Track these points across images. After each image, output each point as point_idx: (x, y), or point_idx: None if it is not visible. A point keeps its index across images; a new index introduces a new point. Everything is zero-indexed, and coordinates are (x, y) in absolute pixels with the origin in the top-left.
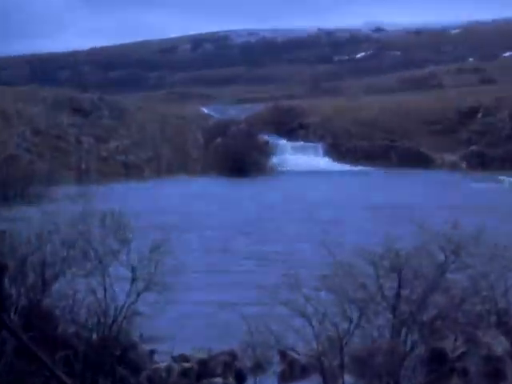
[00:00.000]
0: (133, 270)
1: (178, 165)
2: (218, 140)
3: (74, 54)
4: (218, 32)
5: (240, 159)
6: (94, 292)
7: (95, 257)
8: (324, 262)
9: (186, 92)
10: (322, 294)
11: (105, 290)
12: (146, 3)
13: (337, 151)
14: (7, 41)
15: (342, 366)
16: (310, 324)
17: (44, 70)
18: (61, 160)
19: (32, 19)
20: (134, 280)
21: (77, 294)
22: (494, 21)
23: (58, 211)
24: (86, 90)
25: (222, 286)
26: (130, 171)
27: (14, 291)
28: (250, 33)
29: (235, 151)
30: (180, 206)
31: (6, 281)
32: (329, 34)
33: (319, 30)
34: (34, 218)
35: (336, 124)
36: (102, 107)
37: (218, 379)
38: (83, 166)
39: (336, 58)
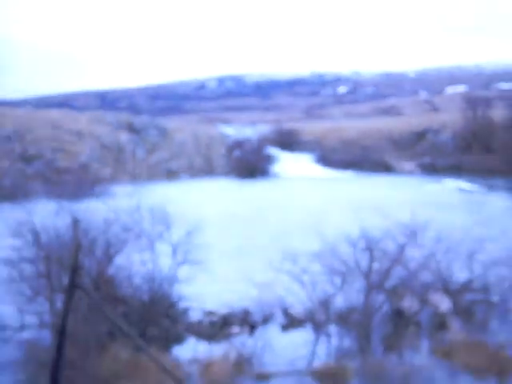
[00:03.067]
0: (174, 247)
1: (207, 170)
2: (236, 152)
3: (130, 90)
4: (236, 73)
5: (251, 166)
6: (145, 264)
7: (146, 237)
8: (317, 245)
9: (213, 117)
10: (315, 266)
11: (153, 262)
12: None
13: (324, 161)
14: (80, 78)
15: (328, 320)
16: (305, 289)
17: (108, 100)
18: (120, 167)
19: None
20: (174, 255)
21: (132, 266)
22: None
23: (118, 204)
24: (139, 115)
25: (243, 265)
26: (170, 175)
27: (86, 263)
28: (261, 74)
29: (248, 160)
30: (208, 199)
31: (80, 256)
32: (319, 75)
33: (312, 72)
34: (100, 209)
35: (323, 142)
36: (150, 128)
37: (236, 328)
38: (136, 171)
39: (323, 93)
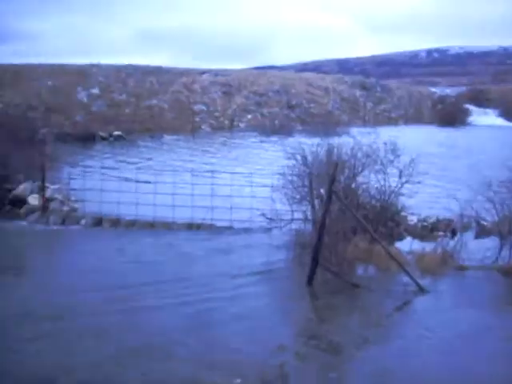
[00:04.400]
0: (400, 171)
1: (417, 119)
2: (439, 106)
3: (361, 58)
4: (441, 46)
5: (450, 117)
6: (379, 181)
7: (380, 163)
8: (505, 174)
9: (422, 80)
10: (503, 190)
11: (384, 180)
12: None
13: (505, 115)
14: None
15: (511, 232)
16: (495, 207)
17: (346, 66)
18: (354, 114)
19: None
20: (400, 176)
21: (370, 182)
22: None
23: (357, 140)
24: (369, 77)
25: (448, 187)
26: (390, 121)
27: (338, 178)
28: (460, 47)
29: (448, 112)
30: (421, 140)
31: (336, 172)
32: (505, 48)
33: (499, 46)
34: (345, 143)
35: (506, 100)
36: (376, 87)
37: (441, 233)
38: (366, 118)
39: (508, 62)
